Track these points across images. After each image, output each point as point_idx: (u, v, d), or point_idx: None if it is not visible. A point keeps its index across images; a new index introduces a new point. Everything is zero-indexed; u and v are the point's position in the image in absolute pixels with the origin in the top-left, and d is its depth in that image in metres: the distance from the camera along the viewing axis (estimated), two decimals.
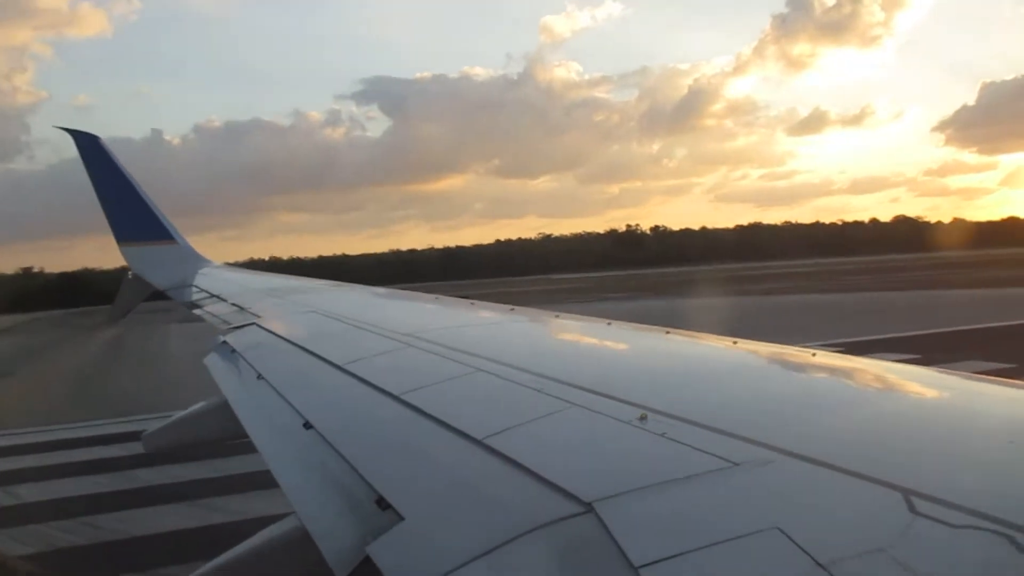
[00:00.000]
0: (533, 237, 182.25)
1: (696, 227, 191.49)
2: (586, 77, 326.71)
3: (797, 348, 3.30)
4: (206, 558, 2.92)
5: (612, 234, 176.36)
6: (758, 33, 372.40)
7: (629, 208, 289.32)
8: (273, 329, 5.47)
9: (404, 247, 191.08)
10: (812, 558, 1.34)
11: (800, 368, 3.06)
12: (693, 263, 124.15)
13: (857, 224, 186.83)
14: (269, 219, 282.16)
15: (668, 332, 3.89)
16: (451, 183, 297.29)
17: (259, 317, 6.19)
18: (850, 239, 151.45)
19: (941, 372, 2.79)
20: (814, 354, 3.07)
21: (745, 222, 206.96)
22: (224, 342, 5.36)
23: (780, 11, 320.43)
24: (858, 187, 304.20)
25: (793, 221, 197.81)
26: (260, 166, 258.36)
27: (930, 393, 2.62)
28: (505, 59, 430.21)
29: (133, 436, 5.31)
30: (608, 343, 4.14)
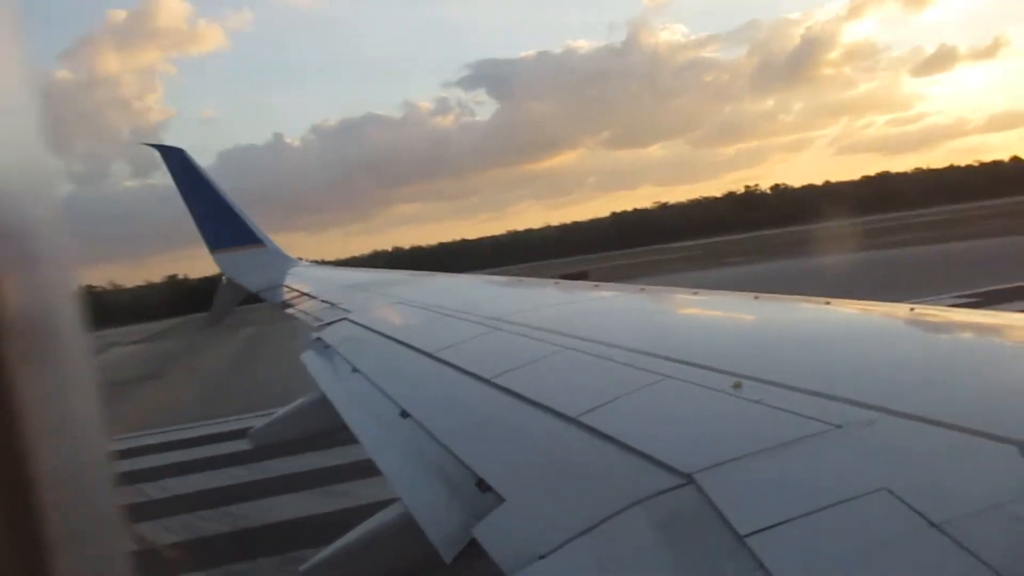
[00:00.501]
0: (649, 207, 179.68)
1: (819, 182, 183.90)
2: (692, 38, 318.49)
3: (892, 304, 3.21)
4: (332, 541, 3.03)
5: (730, 197, 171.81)
6: None
7: (747, 169, 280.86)
8: (364, 322, 5.62)
9: (521, 227, 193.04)
10: (925, 518, 1.31)
11: (897, 325, 2.99)
12: (818, 220, 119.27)
13: (996, 164, 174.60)
14: (389, 211, 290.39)
15: (756, 297, 3.82)
16: (563, 159, 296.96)
17: (349, 312, 6.36)
18: (988, 181, 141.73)
19: None
20: (912, 309, 2.98)
21: (872, 172, 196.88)
22: (318, 338, 5.53)
23: None
24: (995, 124, 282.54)
25: (924, 167, 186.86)
26: (376, 160, 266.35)
27: None
28: (608, 29, 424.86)
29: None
30: (696, 313, 4.13)
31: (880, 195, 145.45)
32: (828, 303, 3.38)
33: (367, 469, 2.87)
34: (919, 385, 2.02)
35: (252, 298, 11.96)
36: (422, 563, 2.36)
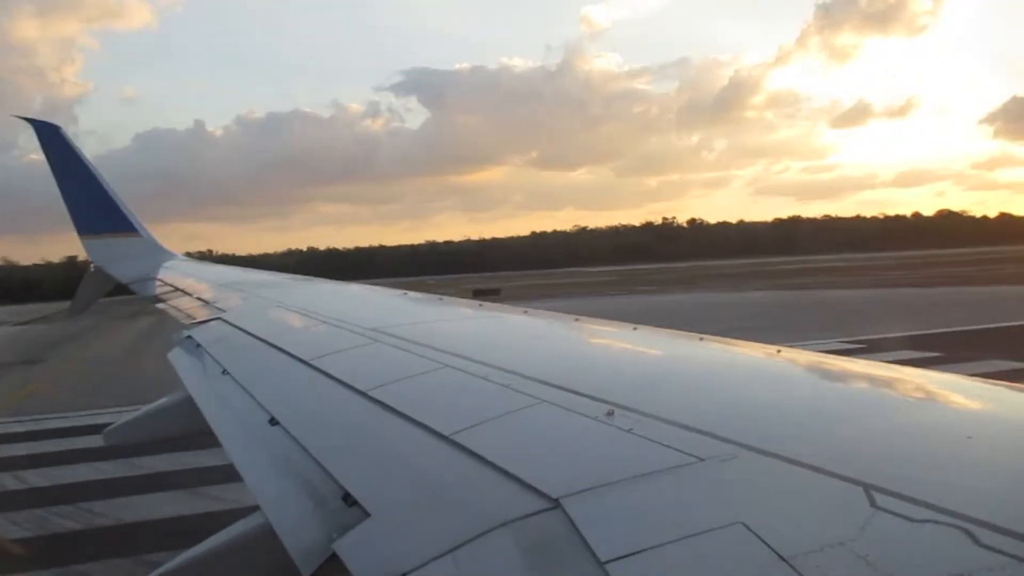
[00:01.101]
0: (568, 230, 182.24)
1: (733, 220, 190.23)
2: (625, 68, 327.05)
3: (762, 345, 3.32)
4: (192, 546, 2.89)
5: (648, 227, 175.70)
6: (801, 23, 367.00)
7: (667, 201, 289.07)
8: (239, 324, 5.41)
9: (441, 238, 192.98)
10: (775, 552, 1.36)
11: (764, 364, 3.09)
12: (728, 256, 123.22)
13: (899, 218, 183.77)
14: (309, 209, 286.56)
15: (636, 328, 3.89)
16: (489, 174, 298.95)
17: (224, 311, 6.14)
18: (891, 233, 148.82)
19: (902, 367, 2.82)
20: (779, 351, 3.09)
21: (784, 215, 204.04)
22: (188, 337, 5.31)
23: (824, 0, 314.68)
24: (903, 180, 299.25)
25: (833, 215, 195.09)
26: (301, 157, 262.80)
27: (892, 388, 2.65)
28: (544, 50, 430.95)
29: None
30: (577, 339, 4.15)
31: (789, 238, 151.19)
32: (702, 339, 3.47)
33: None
34: (779, 424, 2.09)
35: (121, 289, 11.23)
36: (280, 575, 2.25)
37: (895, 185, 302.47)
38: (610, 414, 2.19)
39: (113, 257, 11.54)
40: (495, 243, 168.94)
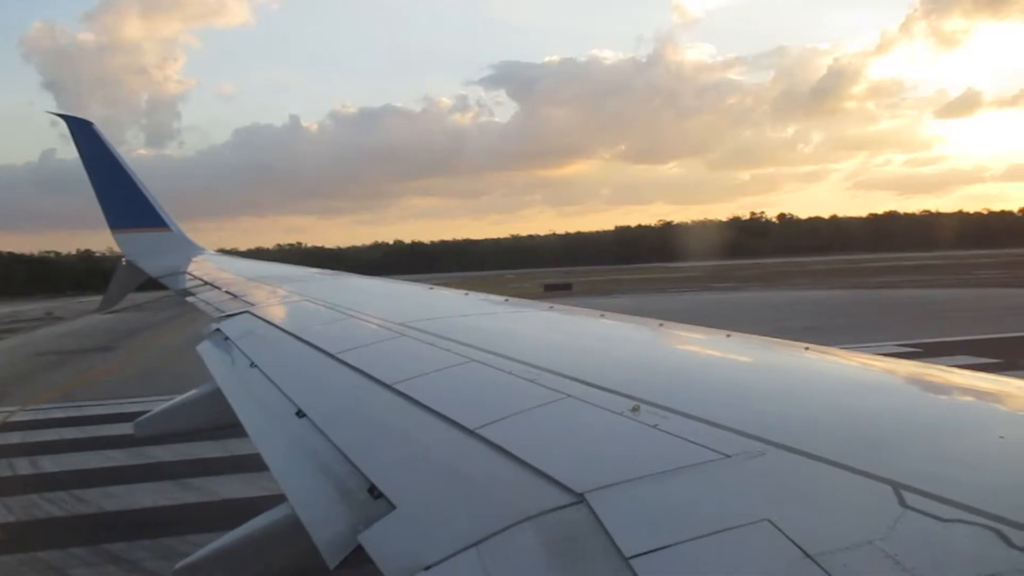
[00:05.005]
0: (653, 224, 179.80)
1: (826, 215, 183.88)
2: (719, 59, 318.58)
3: (790, 342, 3.29)
4: (171, 535, 2.84)
5: (735, 222, 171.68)
6: (906, 8, 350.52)
7: (760, 195, 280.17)
8: (266, 317, 5.50)
9: (527, 232, 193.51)
10: (802, 550, 1.35)
11: (792, 362, 3.06)
12: (818, 253, 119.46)
13: (1004, 214, 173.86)
14: (401, 203, 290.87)
15: (661, 324, 3.90)
16: (578, 168, 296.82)
17: (253, 305, 6.23)
18: (994, 230, 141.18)
19: (933, 367, 2.79)
20: (807, 348, 3.08)
21: (881, 211, 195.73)
22: (217, 330, 5.39)
23: None
24: (1015, 174, 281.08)
25: (934, 210, 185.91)
26: (392, 151, 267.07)
27: (922, 388, 2.62)
28: (635, 41, 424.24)
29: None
30: (602, 335, 4.13)
31: (883, 234, 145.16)
32: (728, 335, 3.46)
33: (232, 465, 2.76)
34: (807, 421, 2.07)
35: (152, 284, 11.42)
36: (305, 566, 2.33)
37: (1005, 179, 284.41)
38: (635, 409, 2.19)
39: (144, 251, 11.78)
40: (578, 237, 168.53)
